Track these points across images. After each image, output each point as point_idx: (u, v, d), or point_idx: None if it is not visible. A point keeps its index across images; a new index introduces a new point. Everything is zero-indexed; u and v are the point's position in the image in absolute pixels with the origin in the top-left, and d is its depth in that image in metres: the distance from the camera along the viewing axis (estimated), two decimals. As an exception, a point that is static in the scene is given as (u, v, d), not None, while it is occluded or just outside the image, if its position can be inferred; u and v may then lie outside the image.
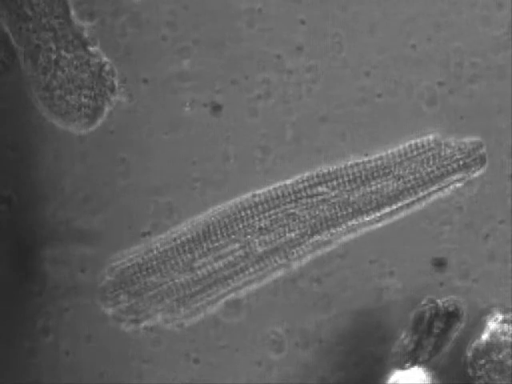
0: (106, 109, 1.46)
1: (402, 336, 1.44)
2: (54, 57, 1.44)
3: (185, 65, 1.47)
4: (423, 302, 1.44)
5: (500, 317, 1.45)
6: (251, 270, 1.45)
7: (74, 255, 1.46)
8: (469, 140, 1.47)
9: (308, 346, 1.47)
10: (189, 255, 1.45)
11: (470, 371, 1.44)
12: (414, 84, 1.47)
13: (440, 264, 1.46)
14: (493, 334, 1.43)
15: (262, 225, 1.45)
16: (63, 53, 1.44)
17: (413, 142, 1.47)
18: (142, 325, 1.45)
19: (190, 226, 1.46)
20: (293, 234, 1.45)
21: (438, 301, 1.43)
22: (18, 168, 1.47)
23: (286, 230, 1.46)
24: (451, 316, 1.43)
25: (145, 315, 1.45)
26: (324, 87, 1.47)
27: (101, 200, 1.47)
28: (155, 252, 1.45)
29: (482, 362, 1.43)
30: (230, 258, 1.45)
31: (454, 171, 1.46)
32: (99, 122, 1.46)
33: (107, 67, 1.46)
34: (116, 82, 1.46)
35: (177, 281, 1.45)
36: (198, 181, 1.47)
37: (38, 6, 1.43)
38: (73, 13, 1.45)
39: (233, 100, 1.47)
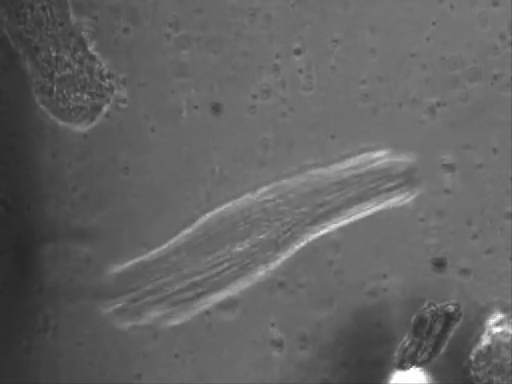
0: (105, 108, 1.46)
1: (404, 339, 1.44)
2: (53, 57, 1.44)
3: (184, 64, 1.47)
4: (424, 306, 1.43)
5: (499, 315, 1.44)
6: (248, 268, 1.45)
7: (74, 254, 1.46)
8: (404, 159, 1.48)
9: (307, 347, 1.47)
10: (187, 254, 1.45)
11: (470, 372, 1.43)
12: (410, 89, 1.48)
13: (440, 264, 1.46)
14: (493, 335, 1.43)
15: (260, 223, 1.45)
16: (62, 53, 1.44)
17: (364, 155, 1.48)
18: (140, 323, 1.45)
19: (190, 225, 1.46)
20: (292, 232, 1.45)
21: (438, 304, 1.43)
22: (18, 168, 1.47)
23: (286, 228, 1.46)
24: (450, 317, 1.43)
25: (142, 313, 1.45)
26: (324, 87, 1.48)
27: (100, 199, 1.47)
28: (153, 252, 1.45)
29: (483, 363, 1.43)
30: (229, 257, 1.45)
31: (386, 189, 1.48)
32: (98, 121, 1.46)
33: (106, 67, 1.46)
34: (115, 82, 1.46)
35: (174, 280, 1.45)
36: (198, 180, 1.47)
37: (38, 7, 1.44)
38: (72, 13, 1.45)
39: (232, 100, 1.47)
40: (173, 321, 1.46)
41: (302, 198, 1.46)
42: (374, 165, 1.47)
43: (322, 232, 1.46)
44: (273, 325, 1.47)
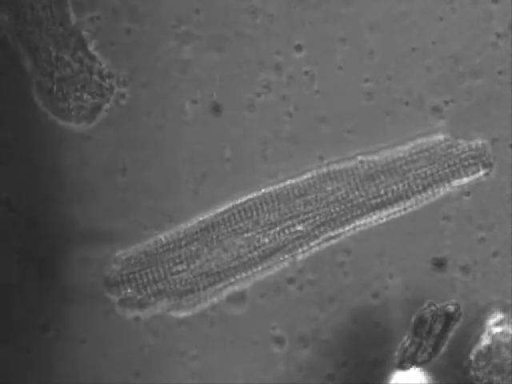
0: (105, 108, 1.46)
1: (404, 339, 1.44)
2: (53, 57, 1.44)
3: (185, 63, 1.47)
4: (424, 306, 1.43)
5: (499, 315, 1.44)
6: (253, 266, 1.45)
7: (74, 253, 1.47)
8: (476, 142, 1.47)
9: (308, 346, 1.47)
10: (192, 249, 1.45)
11: (470, 372, 1.43)
12: (416, 85, 1.48)
13: (440, 264, 1.46)
14: (493, 335, 1.43)
15: (264, 222, 1.45)
16: (62, 53, 1.44)
17: (419, 141, 1.47)
18: (146, 313, 1.45)
19: (195, 221, 1.46)
20: (294, 233, 1.45)
21: (438, 304, 1.43)
22: (19, 168, 1.47)
23: (290, 227, 1.46)
24: (450, 317, 1.43)
25: (148, 304, 1.45)
26: (325, 86, 1.47)
27: (101, 198, 1.47)
28: (160, 244, 1.45)
29: (483, 363, 1.42)
30: (234, 253, 1.45)
31: (461, 172, 1.46)
32: (98, 121, 1.46)
33: (106, 67, 1.46)
34: (115, 82, 1.46)
35: (181, 272, 1.45)
36: (199, 177, 1.47)
37: (38, 7, 1.44)
38: (72, 13, 1.45)
39: (234, 98, 1.47)
40: (177, 311, 1.46)
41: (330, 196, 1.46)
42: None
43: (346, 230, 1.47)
44: (274, 328, 1.47)
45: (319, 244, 1.46)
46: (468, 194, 1.47)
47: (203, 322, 1.46)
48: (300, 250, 1.45)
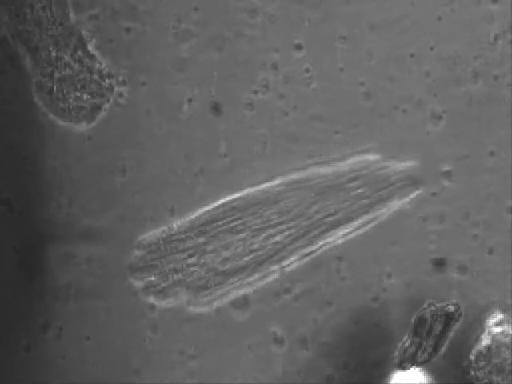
0: (105, 108, 1.46)
1: (404, 339, 1.44)
2: (53, 57, 1.44)
3: (184, 62, 1.47)
4: (424, 306, 1.43)
5: (499, 315, 1.44)
6: (251, 268, 1.45)
7: (75, 253, 1.47)
8: (406, 163, 1.48)
9: (308, 347, 1.47)
10: (199, 241, 1.46)
11: (470, 372, 1.43)
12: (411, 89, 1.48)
13: (440, 264, 1.46)
14: (493, 335, 1.43)
15: (260, 224, 1.45)
16: (62, 53, 1.44)
17: (355, 159, 1.47)
18: (166, 303, 1.45)
19: (190, 222, 1.46)
20: (290, 234, 1.45)
21: (438, 304, 1.43)
22: (18, 168, 1.47)
23: (283, 229, 1.46)
24: (450, 317, 1.43)
25: (170, 293, 1.45)
26: (323, 86, 1.48)
27: (101, 198, 1.47)
28: (172, 233, 1.46)
29: (483, 363, 1.42)
30: (232, 253, 1.45)
31: (394, 194, 1.47)
32: (98, 121, 1.47)
33: (106, 67, 1.46)
34: (115, 82, 1.46)
35: (194, 265, 1.45)
36: (198, 175, 1.48)
37: (38, 7, 1.44)
38: (72, 13, 1.45)
39: (232, 97, 1.47)
40: (198, 308, 1.46)
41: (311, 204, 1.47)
42: (375, 168, 1.48)
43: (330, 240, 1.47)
44: (273, 329, 1.47)
45: (298, 260, 1.46)
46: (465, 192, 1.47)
47: (203, 322, 1.46)
48: (286, 263, 1.46)
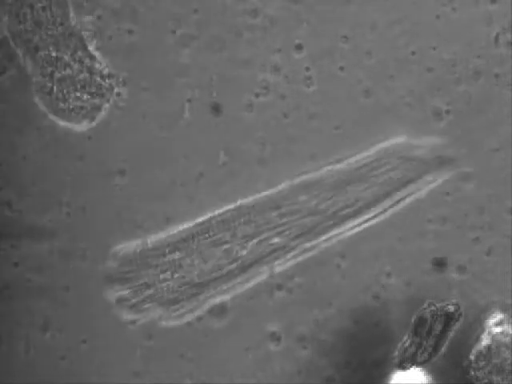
0: (105, 109, 1.46)
1: (404, 339, 1.44)
2: (53, 57, 1.44)
3: (185, 64, 1.47)
4: (424, 306, 1.43)
5: (499, 315, 1.44)
6: (233, 278, 1.45)
7: (74, 252, 1.47)
8: (437, 141, 1.47)
9: (307, 347, 1.47)
10: (175, 257, 1.45)
11: (470, 372, 1.43)
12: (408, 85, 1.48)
13: (440, 264, 1.46)
14: (493, 335, 1.43)
15: (242, 234, 1.45)
16: (62, 53, 1.44)
17: (383, 145, 1.47)
18: (140, 318, 1.45)
19: (187, 226, 1.46)
20: (271, 245, 1.45)
21: (438, 304, 1.43)
22: (18, 168, 1.47)
23: (286, 227, 1.46)
24: (450, 317, 1.43)
25: (142, 309, 1.45)
26: (324, 87, 1.48)
27: (100, 199, 1.47)
28: (147, 248, 1.45)
29: (483, 363, 1.42)
30: (214, 264, 1.45)
31: (424, 173, 1.47)
32: (98, 121, 1.47)
33: (106, 67, 1.46)
34: (115, 82, 1.46)
35: (166, 281, 1.45)
36: (197, 179, 1.48)
37: (38, 7, 1.44)
38: (72, 13, 1.45)
39: (233, 99, 1.47)
40: (170, 322, 1.46)
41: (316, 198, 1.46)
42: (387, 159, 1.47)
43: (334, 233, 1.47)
44: (272, 324, 1.47)
45: (295, 256, 1.46)
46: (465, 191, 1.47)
47: (199, 325, 1.47)
48: (277, 262, 1.46)
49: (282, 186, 1.46)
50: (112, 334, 1.46)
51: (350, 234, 1.46)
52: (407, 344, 1.44)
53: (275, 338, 1.46)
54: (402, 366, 1.45)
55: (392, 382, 1.46)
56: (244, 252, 1.45)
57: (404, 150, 1.47)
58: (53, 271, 1.46)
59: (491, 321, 1.44)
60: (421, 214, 1.47)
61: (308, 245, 1.46)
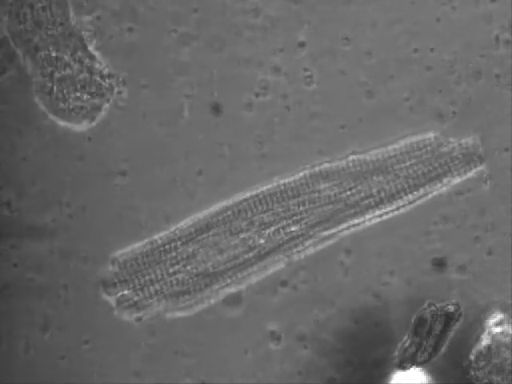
0: (105, 109, 1.46)
1: (404, 339, 1.44)
2: (53, 57, 1.44)
3: (185, 63, 1.47)
4: (424, 306, 1.43)
5: (499, 315, 1.44)
6: (251, 265, 1.45)
7: (75, 252, 1.47)
8: (467, 139, 1.47)
9: (307, 347, 1.47)
10: (188, 249, 1.45)
11: (470, 372, 1.43)
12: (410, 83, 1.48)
13: (440, 264, 1.46)
14: (493, 335, 1.43)
15: (263, 221, 1.45)
16: (62, 53, 1.44)
17: (413, 139, 1.47)
18: (143, 314, 1.45)
19: (191, 222, 1.46)
20: (291, 231, 1.45)
21: (438, 304, 1.43)
22: (18, 168, 1.47)
23: (286, 227, 1.46)
24: (450, 317, 1.43)
25: (145, 305, 1.45)
26: (324, 86, 1.48)
27: (101, 199, 1.47)
28: (155, 245, 1.45)
29: (483, 363, 1.42)
30: (231, 253, 1.45)
31: (453, 170, 1.46)
32: (98, 121, 1.47)
33: (106, 67, 1.46)
34: (115, 82, 1.46)
35: (177, 273, 1.45)
36: (197, 177, 1.48)
37: (38, 7, 1.44)
38: (72, 13, 1.45)
39: (233, 98, 1.47)
40: (175, 311, 1.46)
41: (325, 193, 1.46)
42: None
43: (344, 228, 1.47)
44: (272, 323, 1.47)
45: (314, 244, 1.45)
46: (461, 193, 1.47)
47: (200, 321, 1.47)
48: (295, 251, 1.45)
49: (301, 175, 1.46)
50: (112, 333, 1.46)
51: (368, 224, 1.46)
52: (407, 344, 1.44)
53: (275, 337, 1.47)
54: (402, 366, 1.45)
55: (392, 382, 1.46)
56: (261, 240, 1.45)
57: (432, 145, 1.47)
58: (53, 271, 1.47)
59: (491, 321, 1.44)
60: (420, 215, 1.47)
61: (326, 233, 1.45)
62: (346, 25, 1.47)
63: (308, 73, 1.47)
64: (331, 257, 1.46)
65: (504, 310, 1.45)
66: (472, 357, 1.43)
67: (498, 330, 1.43)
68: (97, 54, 1.46)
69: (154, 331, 1.46)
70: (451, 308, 1.43)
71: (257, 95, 1.47)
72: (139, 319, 1.45)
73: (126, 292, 1.45)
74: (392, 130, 1.47)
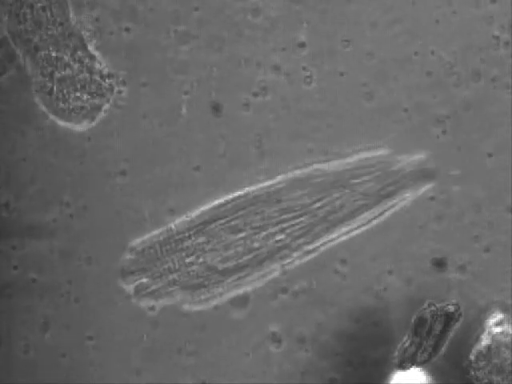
0: (105, 108, 1.46)
1: (404, 339, 1.44)
2: (53, 57, 1.44)
3: (184, 62, 1.47)
4: (424, 306, 1.43)
5: (499, 315, 1.44)
6: (251, 266, 1.46)
7: (76, 252, 1.47)
8: (415, 158, 1.47)
9: (307, 348, 1.47)
10: (199, 241, 1.46)
11: (470, 372, 1.43)
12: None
13: (440, 264, 1.46)
14: (493, 335, 1.43)
15: (261, 222, 1.45)
16: (62, 53, 1.44)
17: (363, 155, 1.47)
18: (160, 303, 1.45)
19: (190, 222, 1.46)
20: (292, 231, 1.45)
21: (438, 304, 1.43)
22: (18, 168, 1.47)
23: (285, 227, 1.46)
24: (450, 317, 1.43)
25: (163, 294, 1.45)
26: (322, 86, 1.48)
27: (101, 198, 1.47)
28: (171, 234, 1.46)
29: (483, 363, 1.42)
30: (233, 252, 1.45)
31: (403, 188, 1.47)
32: (98, 121, 1.47)
33: (106, 67, 1.46)
34: (115, 82, 1.46)
35: (192, 265, 1.45)
36: (198, 176, 1.48)
37: (38, 7, 1.44)
38: (72, 13, 1.45)
39: (232, 98, 1.47)
40: (194, 306, 1.46)
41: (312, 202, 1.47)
42: (378, 165, 1.47)
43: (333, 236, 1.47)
44: (273, 325, 1.47)
45: (300, 257, 1.46)
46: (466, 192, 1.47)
47: (201, 321, 1.47)
48: (286, 262, 1.46)
49: (279, 179, 1.47)
50: (113, 332, 1.46)
51: (344, 239, 1.46)
52: (407, 344, 1.44)
53: (276, 339, 1.47)
54: (402, 366, 1.45)
55: (392, 382, 1.46)
56: (256, 244, 1.45)
57: (386, 162, 1.48)
58: (53, 270, 1.47)
59: (491, 321, 1.44)
60: (420, 215, 1.47)
61: (310, 247, 1.46)
62: (345, 25, 1.47)
63: (308, 73, 1.47)
64: (330, 260, 1.47)
65: (504, 309, 1.44)
66: (472, 357, 1.43)
67: (497, 329, 1.43)
68: (97, 53, 1.46)
69: (157, 328, 1.46)
70: (451, 308, 1.43)
71: (256, 95, 1.47)
72: (152, 308, 1.45)
73: (144, 280, 1.45)
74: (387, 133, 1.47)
